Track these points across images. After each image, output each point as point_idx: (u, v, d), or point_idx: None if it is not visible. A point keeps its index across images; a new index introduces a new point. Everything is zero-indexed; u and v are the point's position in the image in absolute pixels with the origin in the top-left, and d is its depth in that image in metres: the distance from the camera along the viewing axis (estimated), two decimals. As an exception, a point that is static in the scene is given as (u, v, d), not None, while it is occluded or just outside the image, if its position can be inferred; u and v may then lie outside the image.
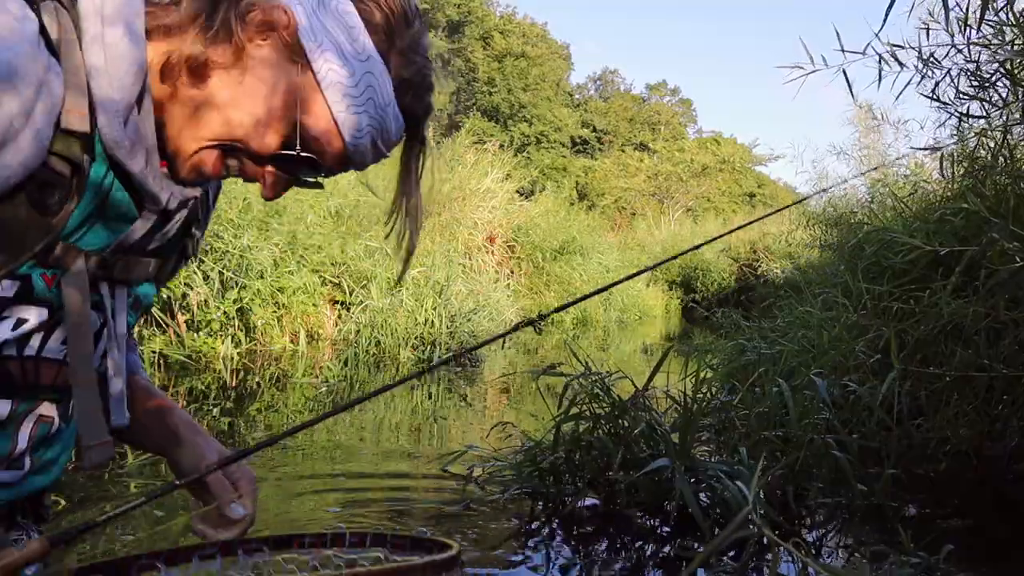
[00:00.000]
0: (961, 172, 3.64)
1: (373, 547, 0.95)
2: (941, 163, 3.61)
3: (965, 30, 2.78)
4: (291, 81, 0.86)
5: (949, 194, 3.85)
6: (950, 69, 2.98)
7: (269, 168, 0.90)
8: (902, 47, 2.91)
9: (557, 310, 1.11)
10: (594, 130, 41.36)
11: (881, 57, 2.87)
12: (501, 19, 39.98)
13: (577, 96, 44.39)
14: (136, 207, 0.88)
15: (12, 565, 0.73)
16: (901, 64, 2.93)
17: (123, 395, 0.96)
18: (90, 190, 0.82)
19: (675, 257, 1.16)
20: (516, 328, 0.98)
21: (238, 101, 0.85)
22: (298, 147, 0.88)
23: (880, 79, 2.91)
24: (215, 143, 0.87)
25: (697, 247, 1.34)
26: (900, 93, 3.13)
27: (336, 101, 0.87)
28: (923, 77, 3.01)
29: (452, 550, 0.87)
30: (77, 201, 0.81)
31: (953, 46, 2.85)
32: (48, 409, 0.90)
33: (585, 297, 1.14)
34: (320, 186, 0.95)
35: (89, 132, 0.80)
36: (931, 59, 2.91)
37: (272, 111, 0.86)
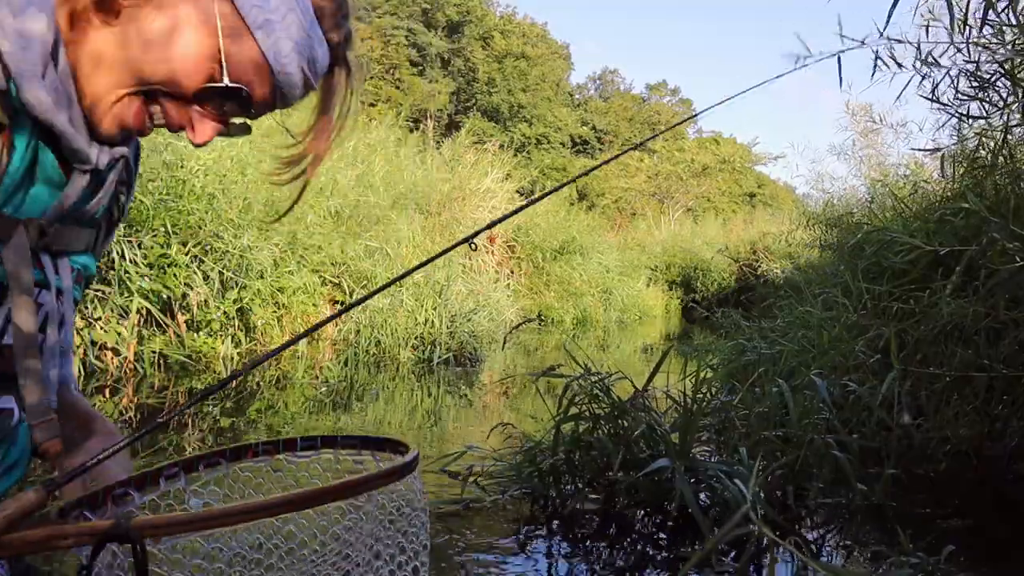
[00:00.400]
0: (961, 172, 3.64)
1: (324, 448, 0.97)
2: (942, 164, 3.61)
3: (965, 29, 2.77)
4: (209, 12, 0.81)
5: (949, 194, 3.85)
6: (949, 69, 2.97)
7: (195, 108, 0.85)
8: (900, 41, 2.90)
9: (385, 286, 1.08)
10: (594, 130, 41.36)
11: (877, 53, 2.85)
12: (501, 19, 39.98)
13: (577, 96, 44.38)
14: (64, 170, 0.84)
15: (12, 516, 0.71)
16: (900, 64, 2.93)
17: (57, 375, 0.93)
18: (17, 152, 0.78)
19: (487, 228, 1.10)
20: (365, 299, 0.93)
21: (154, 39, 0.80)
22: (225, 78, 0.82)
23: (875, 67, 2.88)
24: (134, 89, 0.82)
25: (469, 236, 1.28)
26: (900, 94, 3.12)
27: (259, 27, 0.82)
28: (924, 77, 3.01)
29: (409, 452, 0.87)
30: (6, 164, 0.78)
31: (952, 44, 2.84)
32: (6, 401, 0.85)
33: (409, 272, 1.10)
34: (248, 130, 0.91)
35: (5, 88, 0.75)
36: (929, 57, 2.91)
37: (192, 45, 0.81)
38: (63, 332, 0.91)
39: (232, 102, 0.85)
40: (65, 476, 0.76)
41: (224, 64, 0.82)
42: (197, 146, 0.89)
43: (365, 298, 0.96)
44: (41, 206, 0.83)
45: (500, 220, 1.19)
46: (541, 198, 1.11)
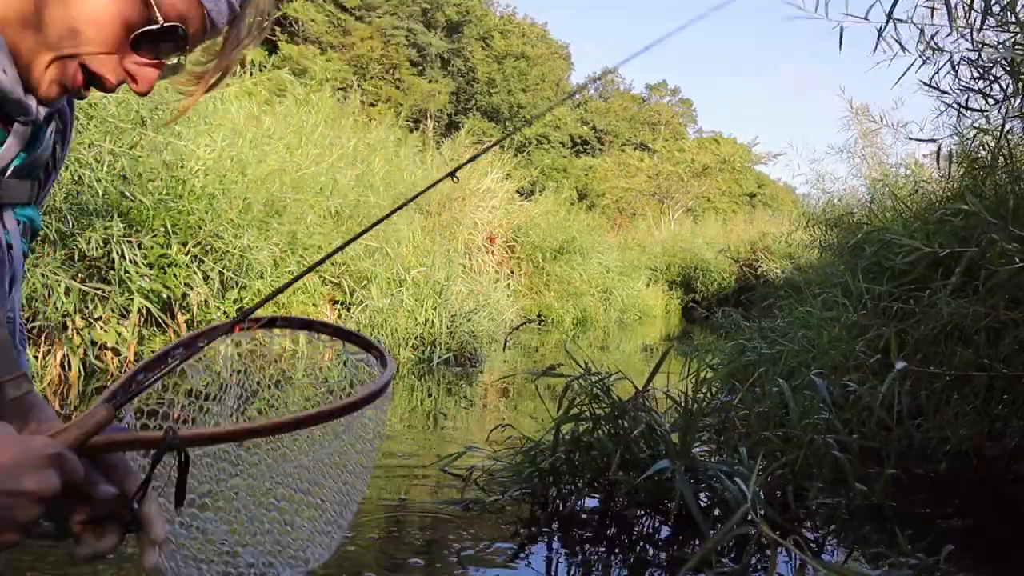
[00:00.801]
0: (961, 172, 3.64)
1: (299, 329, 1.16)
2: (938, 156, 3.57)
3: (969, 14, 2.76)
4: None
5: (949, 195, 3.85)
6: (952, 55, 2.96)
7: (134, 59, 0.85)
8: (903, 21, 2.88)
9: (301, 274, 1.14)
10: (594, 130, 41.33)
11: (881, 29, 2.83)
12: (501, 19, 39.93)
13: (577, 96, 44.37)
14: (2, 125, 0.83)
15: (91, 429, 0.77)
16: (903, 46, 2.91)
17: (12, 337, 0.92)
18: None
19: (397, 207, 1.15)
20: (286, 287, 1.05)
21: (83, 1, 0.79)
22: (159, 19, 0.82)
23: (879, 39, 2.86)
24: (69, 52, 0.81)
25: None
26: (901, 77, 3.10)
27: None
28: (924, 62, 2.99)
29: (388, 356, 1.03)
30: None
31: (956, 29, 2.82)
32: None
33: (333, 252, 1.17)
34: (181, 67, 0.91)
35: None
36: (932, 41, 2.89)
37: None
38: (15, 287, 0.91)
39: (168, 42, 0.85)
40: (129, 394, 0.86)
41: (155, 4, 0.82)
42: (142, 95, 0.88)
43: (333, 252, 0.99)
44: None
45: (482, 152, 1.20)
46: (487, 149, 1.14)
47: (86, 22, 0.80)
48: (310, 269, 1.05)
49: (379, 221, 1.06)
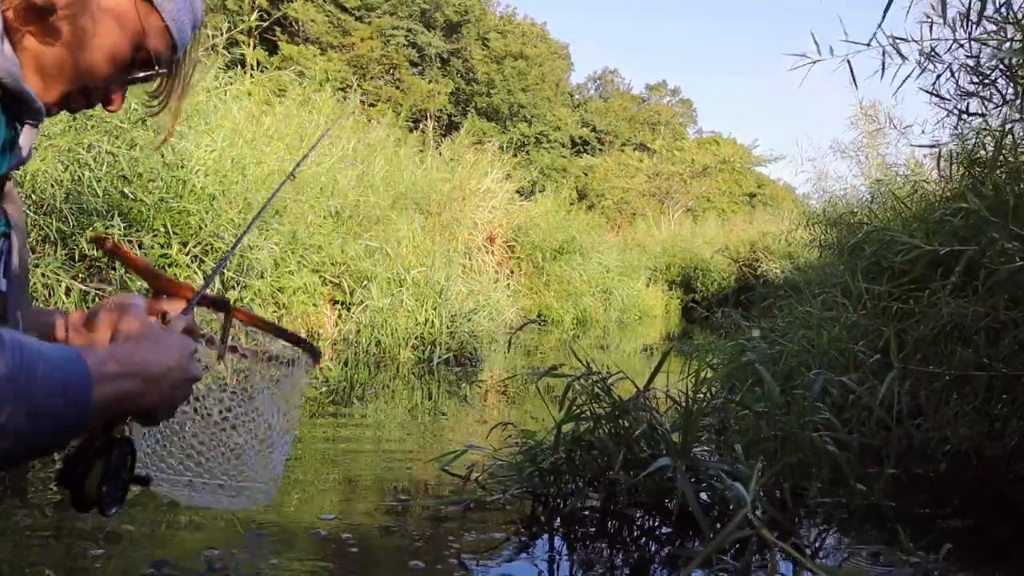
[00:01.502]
0: (961, 172, 3.64)
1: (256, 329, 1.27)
2: (939, 161, 3.60)
3: (967, 25, 2.78)
4: (131, 10, 0.93)
5: (948, 194, 3.85)
6: (950, 64, 2.98)
7: (113, 84, 0.97)
8: (905, 40, 2.91)
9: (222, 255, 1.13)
10: (594, 130, 41.31)
11: (884, 50, 2.87)
12: (501, 19, 39.85)
13: (577, 96, 44.29)
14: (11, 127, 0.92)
15: (188, 329, 0.96)
16: (903, 56, 2.92)
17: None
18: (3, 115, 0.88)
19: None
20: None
21: (92, 45, 0.90)
22: (153, 60, 0.96)
23: (884, 69, 2.90)
24: (77, 86, 0.93)
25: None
26: (900, 85, 3.12)
27: (168, 11, 0.97)
28: (923, 71, 3.01)
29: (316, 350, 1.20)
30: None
31: (955, 41, 2.84)
32: None
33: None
34: (149, 79, 1.03)
35: None
36: (932, 53, 2.92)
37: (121, 39, 0.93)
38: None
39: (148, 73, 0.99)
40: (200, 290, 1.06)
41: (145, 46, 0.95)
42: (113, 111, 1.02)
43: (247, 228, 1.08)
44: (9, 160, 0.92)
45: (322, 136, 1.23)
46: (324, 134, 1.21)
47: (99, 64, 0.93)
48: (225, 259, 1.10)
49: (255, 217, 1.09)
